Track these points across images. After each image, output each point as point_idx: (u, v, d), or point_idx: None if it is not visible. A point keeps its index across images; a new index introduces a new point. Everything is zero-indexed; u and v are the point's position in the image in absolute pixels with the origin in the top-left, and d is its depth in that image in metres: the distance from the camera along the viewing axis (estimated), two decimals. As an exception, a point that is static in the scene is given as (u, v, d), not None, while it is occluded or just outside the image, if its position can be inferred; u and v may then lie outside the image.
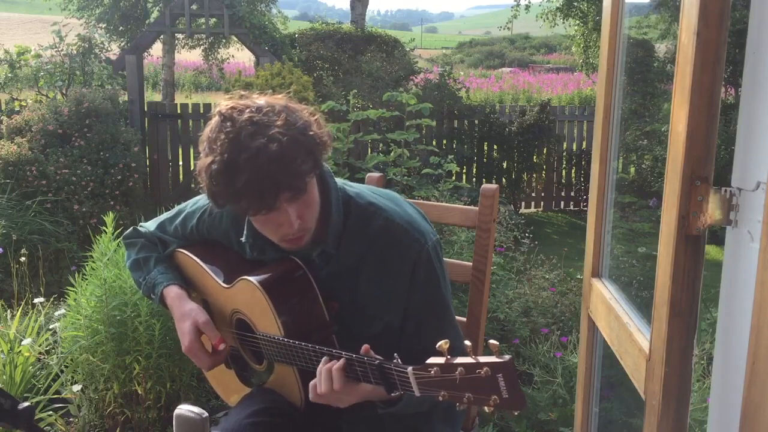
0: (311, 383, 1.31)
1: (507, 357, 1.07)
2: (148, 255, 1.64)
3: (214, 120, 1.29)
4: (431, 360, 1.13)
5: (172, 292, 1.56)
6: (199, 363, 1.52)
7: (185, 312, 1.51)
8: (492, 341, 1.08)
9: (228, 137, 1.24)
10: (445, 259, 1.52)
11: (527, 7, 9.91)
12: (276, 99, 1.34)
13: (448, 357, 1.11)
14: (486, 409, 1.09)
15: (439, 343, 1.11)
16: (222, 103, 1.32)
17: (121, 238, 1.78)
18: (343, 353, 1.28)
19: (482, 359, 1.08)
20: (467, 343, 1.12)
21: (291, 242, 1.37)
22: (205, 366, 1.53)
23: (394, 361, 1.20)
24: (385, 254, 1.41)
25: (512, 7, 10.05)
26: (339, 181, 1.47)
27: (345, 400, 1.31)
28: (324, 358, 1.30)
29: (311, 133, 1.30)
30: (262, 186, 1.23)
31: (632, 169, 7.08)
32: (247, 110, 1.27)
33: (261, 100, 1.31)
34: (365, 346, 1.26)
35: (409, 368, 1.16)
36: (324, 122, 1.38)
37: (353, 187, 1.49)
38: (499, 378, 1.06)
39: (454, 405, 1.12)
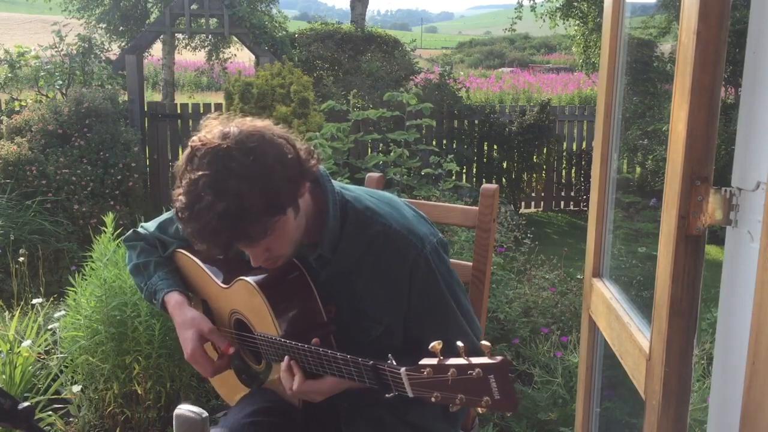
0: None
1: (499, 358, 1.07)
2: (147, 260, 1.65)
3: (187, 151, 1.29)
4: (424, 361, 1.13)
5: (173, 300, 1.57)
6: (202, 370, 1.52)
7: (187, 319, 1.52)
8: (484, 342, 1.08)
9: (188, 181, 1.25)
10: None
11: (532, 8, 9.88)
12: (254, 127, 1.30)
13: (441, 358, 1.11)
14: (479, 410, 1.09)
15: (432, 344, 1.11)
16: (199, 133, 1.30)
17: (122, 240, 1.78)
18: (339, 354, 1.27)
19: (474, 360, 1.08)
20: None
21: (264, 266, 1.39)
22: (208, 373, 1.52)
23: (388, 362, 1.20)
24: (383, 260, 1.40)
25: (516, 8, 10.03)
26: (337, 184, 1.46)
27: (315, 396, 1.36)
28: (285, 358, 1.35)
29: (284, 169, 1.27)
30: (214, 238, 1.24)
31: (638, 169, 7.07)
32: (213, 150, 1.24)
33: (237, 129, 1.27)
34: (315, 339, 1.32)
35: (402, 369, 1.16)
36: (308, 148, 1.37)
37: (351, 191, 1.48)
38: (490, 379, 1.06)
39: (447, 406, 1.12)
